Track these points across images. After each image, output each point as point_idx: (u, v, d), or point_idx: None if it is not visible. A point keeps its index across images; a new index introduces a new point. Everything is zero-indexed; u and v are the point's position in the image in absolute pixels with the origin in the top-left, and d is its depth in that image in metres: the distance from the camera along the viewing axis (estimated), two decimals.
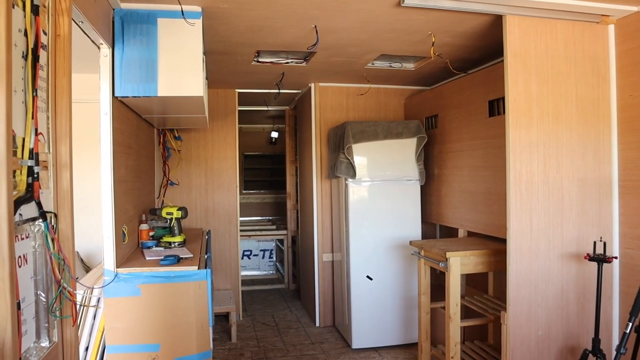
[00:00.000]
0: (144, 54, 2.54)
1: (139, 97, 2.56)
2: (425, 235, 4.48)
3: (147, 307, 2.50)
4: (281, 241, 6.78)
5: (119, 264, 2.55)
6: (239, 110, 6.29)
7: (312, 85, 4.77)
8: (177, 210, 3.25)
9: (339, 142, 4.22)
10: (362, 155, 4.15)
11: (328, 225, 4.82)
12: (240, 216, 8.16)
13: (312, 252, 4.90)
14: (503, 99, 3.31)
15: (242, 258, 7.22)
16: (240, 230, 6.55)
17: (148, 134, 3.90)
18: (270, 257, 7.34)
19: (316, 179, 4.79)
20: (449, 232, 4.49)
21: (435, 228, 4.79)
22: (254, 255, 7.30)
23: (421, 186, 4.31)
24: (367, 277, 4.17)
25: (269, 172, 8.20)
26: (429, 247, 3.34)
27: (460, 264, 3.10)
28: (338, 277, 4.61)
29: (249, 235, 6.48)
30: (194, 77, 2.58)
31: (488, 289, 3.73)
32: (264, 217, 8.17)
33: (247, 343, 4.37)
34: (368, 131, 4.13)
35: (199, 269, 2.60)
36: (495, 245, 3.29)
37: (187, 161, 4.89)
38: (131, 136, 3.09)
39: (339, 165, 4.15)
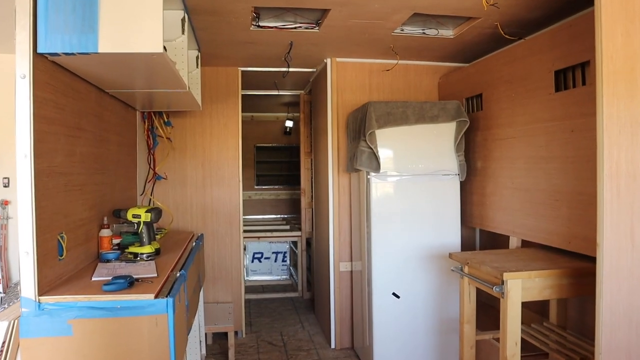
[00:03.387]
0: None
1: (74, 54, 1.82)
2: (462, 242, 3.65)
3: (81, 352, 1.77)
4: (295, 243, 6.02)
5: (44, 290, 1.82)
6: (248, 96, 5.59)
7: (328, 60, 3.98)
8: (146, 212, 2.50)
9: (360, 127, 3.43)
10: (387, 143, 3.35)
11: (346, 228, 4.03)
12: (253, 214, 7.48)
13: (327, 259, 4.13)
14: (577, 66, 2.49)
15: (253, 261, 6.51)
16: (248, 231, 5.84)
17: (123, 117, 3.18)
18: (283, 261, 6.60)
19: (332, 173, 4.01)
20: (493, 240, 3.66)
21: (474, 233, 3.97)
22: (266, 258, 6.56)
23: (460, 182, 3.50)
24: (393, 294, 3.37)
25: (284, 166, 7.47)
26: (477, 264, 2.52)
27: (522, 288, 2.29)
28: (358, 292, 3.82)
29: (258, 237, 5.73)
30: (151, 25, 1.82)
31: (549, 314, 2.90)
32: (278, 215, 7.44)
33: None
34: (396, 114, 3.32)
35: (156, 297, 1.85)
36: (568, 263, 2.46)
37: (181, 151, 4.17)
38: (84, 115, 2.35)
39: (360, 155, 3.36)
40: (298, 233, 5.77)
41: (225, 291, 4.29)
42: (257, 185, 7.43)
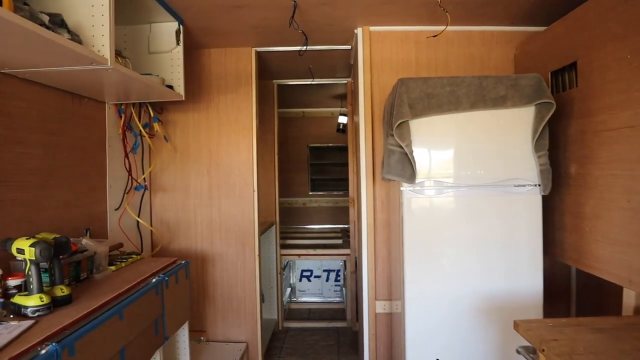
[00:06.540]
0: None
1: None
2: (545, 282, 2.47)
3: None
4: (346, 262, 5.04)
5: None
6: (289, 88, 4.72)
7: (359, 30, 2.98)
8: (31, 245, 1.68)
9: (390, 117, 2.40)
10: (428, 139, 2.29)
11: (385, 255, 3.00)
12: (308, 223, 6.60)
13: (361, 295, 3.12)
14: None
15: (301, 280, 5.62)
16: (291, 246, 4.97)
17: (65, 110, 2.39)
18: (336, 280, 5.64)
19: (366, 182, 3.01)
20: (597, 283, 2.44)
21: (569, 270, 2.76)
22: (316, 276, 5.64)
23: (542, 197, 2.34)
24: None
25: (343, 169, 6.48)
26: (560, 356, 1.39)
27: None
28: (398, 343, 2.78)
29: (298, 255, 4.82)
30: None
31: None
32: (336, 226, 6.50)
33: None
34: (440, 95, 2.25)
35: None
36: None
37: (182, 154, 3.39)
38: None
39: (388, 157, 2.33)
40: (346, 251, 4.79)
41: (237, 329, 3.42)
42: (312, 190, 6.55)
